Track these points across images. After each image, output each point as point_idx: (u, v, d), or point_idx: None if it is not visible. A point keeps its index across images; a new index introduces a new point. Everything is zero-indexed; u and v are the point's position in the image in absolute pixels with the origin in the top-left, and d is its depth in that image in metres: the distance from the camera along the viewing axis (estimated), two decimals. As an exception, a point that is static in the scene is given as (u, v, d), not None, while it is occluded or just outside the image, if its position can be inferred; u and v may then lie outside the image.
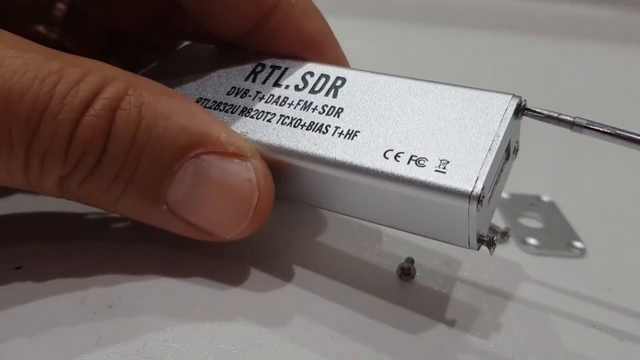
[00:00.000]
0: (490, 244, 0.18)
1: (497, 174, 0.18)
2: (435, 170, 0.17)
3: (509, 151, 0.18)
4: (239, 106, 0.20)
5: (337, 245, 0.23)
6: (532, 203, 0.27)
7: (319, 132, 0.19)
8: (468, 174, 0.16)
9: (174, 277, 0.20)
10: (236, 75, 0.21)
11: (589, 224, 0.26)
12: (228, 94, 0.21)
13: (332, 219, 0.25)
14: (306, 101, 0.20)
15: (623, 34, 0.63)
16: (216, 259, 0.21)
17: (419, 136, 0.18)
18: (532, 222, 0.26)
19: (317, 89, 0.20)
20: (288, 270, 0.21)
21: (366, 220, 0.19)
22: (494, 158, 0.17)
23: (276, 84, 0.21)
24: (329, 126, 0.19)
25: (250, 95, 0.20)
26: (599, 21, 0.67)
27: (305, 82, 0.20)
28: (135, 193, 0.18)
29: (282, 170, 0.19)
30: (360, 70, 0.20)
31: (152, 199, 0.18)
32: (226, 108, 0.20)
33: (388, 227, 0.19)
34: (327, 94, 0.20)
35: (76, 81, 0.16)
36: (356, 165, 0.18)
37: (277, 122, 0.19)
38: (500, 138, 0.17)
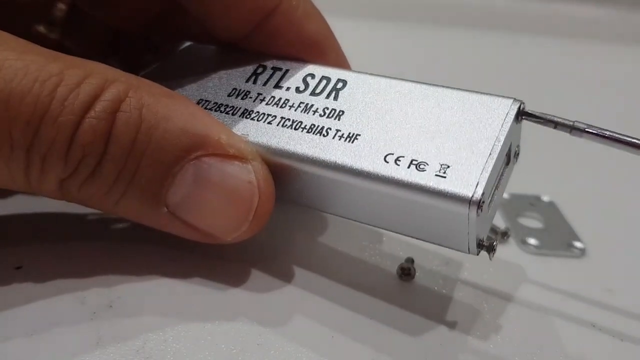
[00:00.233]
0: (490, 249, 0.18)
1: (498, 179, 0.18)
2: (436, 175, 0.17)
3: (509, 155, 0.18)
4: (240, 108, 0.20)
5: (337, 246, 0.23)
6: (532, 203, 0.27)
7: (320, 135, 0.19)
8: (468, 179, 0.16)
9: (174, 278, 0.20)
10: (237, 76, 0.21)
11: (589, 224, 0.26)
12: (229, 95, 0.21)
13: (332, 219, 0.25)
14: (307, 103, 0.20)
15: (623, 34, 0.63)
16: (216, 259, 0.21)
17: (419, 140, 0.18)
18: (532, 222, 0.26)
19: (317, 91, 0.20)
20: (288, 270, 0.21)
21: (366, 224, 0.19)
22: (494, 163, 0.17)
23: (277, 86, 0.21)
24: (330, 129, 0.19)
25: (251, 97, 0.20)
26: (599, 21, 0.67)
27: (306, 84, 0.20)
28: (136, 195, 0.18)
29: (283, 173, 0.19)
30: (361, 72, 0.20)
31: (152, 201, 0.18)
32: (227, 110, 0.20)
33: (388, 230, 0.19)
34: (327, 97, 0.20)
35: (77, 83, 0.16)
36: (356, 169, 0.18)
37: (277, 125, 0.19)
38: (501, 143, 0.17)
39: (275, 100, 0.20)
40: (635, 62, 0.56)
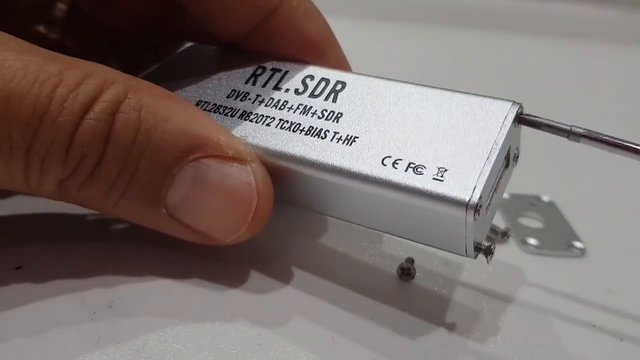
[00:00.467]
0: (488, 253, 0.18)
1: (496, 182, 0.18)
2: (433, 178, 0.17)
3: (508, 158, 0.18)
4: (239, 109, 0.20)
5: (337, 246, 0.23)
6: (532, 203, 0.27)
7: (318, 137, 0.19)
8: (466, 182, 0.16)
9: (174, 278, 0.20)
10: (236, 77, 0.21)
11: (589, 224, 0.26)
12: (228, 96, 0.21)
13: (332, 219, 0.25)
14: (305, 105, 0.20)
15: (623, 34, 0.63)
16: (217, 260, 0.21)
17: (417, 143, 0.18)
18: (532, 222, 0.26)
19: (316, 93, 0.20)
20: (288, 270, 0.21)
21: (363, 226, 0.19)
22: (492, 167, 0.17)
23: (276, 87, 0.21)
24: (328, 131, 0.19)
25: (250, 99, 0.20)
26: (598, 21, 0.67)
27: (305, 86, 0.20)
28: (134, 196, 0.18)
29: (280, 175, 0.19)
30: (360, 74, 0.20)
31: (151, 202, 0.18)
32: (226, 111, 0.20)
33: (385, 233, 0.19)
34: (326, 99, 0.20)
35: (76, 84, 0.16)
36: (354, 172, 0.18)
37: (276, 127, 0.19)
38: (499, 146, 0.17)
39: (274, 102, 0.20)
40: (635, 62, 0.55)
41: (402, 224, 0.18)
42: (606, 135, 0.17)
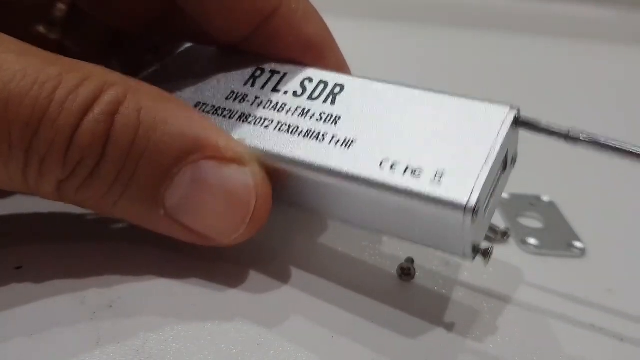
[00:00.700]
0: (485, 255, 0.18)
1: (494, 185, 0.18)
2: (431, 181, 0.17)
3: (506, 162, 0.18)
4: (237, 111, 0.20)
5: (336, 246, 0.23)
6: (532, 203, 0.28)
7: (316, 140, 0.19)
8: (463, 186, 0.16)
9: (174, 278, 0.20)
10: (235, 79, 0.22)
11: (589, 224, 0.26)
12: (227, 98, 0.21)
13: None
14: (304, 108, 0.20)
15: (623, 34, 0.63)
16: (217, 260, 0.21)
17: (415, 146, 0.18)
18: (532, 222, 0.26)
19: (315, 95, 0.20)
20: (288, 270, 0.21)
21: (361, 228, 0.19)
22: (490, 170, 0.17)
23: (275, 90, 0.21)
24: (326, 134, 0.19)
25: (248, 101, 0.21)
26: (598, 21, 0.67)
27: (304, 89, 0.20)
28: (133, 197, 0.18)
29: (279, 177, 0.19)
30: (358, 77, 0.20)
31: (149, 203, 0.18)
32: (224, 113, 0.20)
33: (384, 235, 0.19)
34: (325, 101, 0.20)
35: (75, 86, 0.16)
36: (351, 175, 0.18)
37: (274, 129, 0.19)
38: (497, 150, 0.17)
39: (273, 104, 0.20)
40: (635, 62, 0.56)
41: (399, 227, 0.18)
42: (603, 138, 0.17)
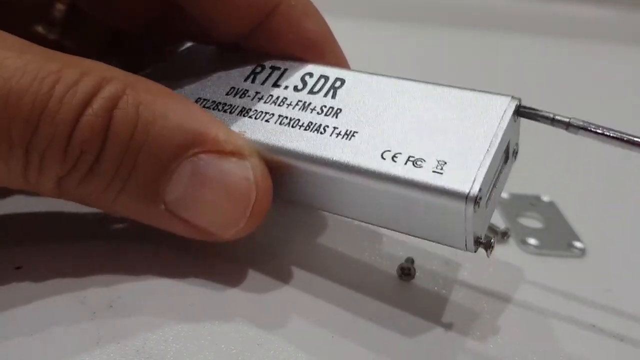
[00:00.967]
0: (488, 247, 0.18)
1: (496, 176, 0.18)
2: (433, 172, 0.17)
3: (507, 153, 0.18)
4: (238, 106, 0.20)
5: (336, 246, 0.23)
6: (532, 203, 0.28)
7: (317, 133, 0.19)
8: (465, 175, 0.16)
9: (174, 278, 0.20)
10: (235, 76, 0.21)
11: (589, 224, 0.26)
12: (227, 94, 0.21)
13: (332, 219, 0.25)
14: (305, 102, 0.20)
15: (623, 34, 0.63)
16: (217, 260, 0.21)
17: (416, 137, 0.18)
18: (532, 222, 0.26)
19: (315, 90, 0.20)
20: (288, 270, 0.21)
21: (363, 222, 0.19)
22: (492, 160, 0.17)
23: (275, 85, 0.21)
24: (327, 127, 0.19)
25: (249, 96, 0.20)
26: (598, 21, 0.67)
27: (305, 83, 0.20)
28: (133, 192, 0.18)
29: (280, 171, 0.19)
30: (359, 71, 0.20)
31: (149, 198, 0.18)
32: (225, 108, 0.20)
33: (385, 228, 0.19)
34: (325, 95, 0.20)
35: (74, 81, 0.16)
36: (353, 166, 0.18)
37: (275, 122, 0.19)
38: (499, 139, 0.17)
39: (273, 98, 0.20)
40: (635, 62, 0.56)
41: (401, 219, 0.18)
42: (604, 128, 0.17)
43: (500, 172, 0.18)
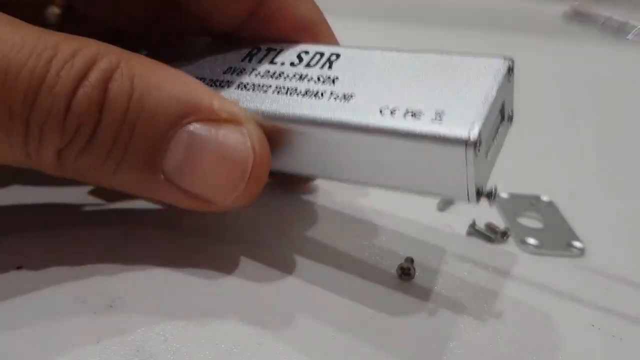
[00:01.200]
0: (490, 196, 0.18)
1: (494, 132, 0.18)
2: (431, 121, 0.17)
3: (503, 114, 0.18)
4: (235, 82, 0.21)
5: (336, 245, 0.23)
6: (531, 203, 0.28)
7: (315, 98, 0.19)
8: (464, 122, 0.16)
9: (175, 277, 0.20)
10: (232, 58, 0.22)
11: (589, 223, 0.26)
12: (224, 73, 0.21)
13: (332, 218, 0.25)
14: (301, 74, 0.20)
15: (622, 35, 0.63)
16: (217, 260, 0.21)
17: (414, 94, 0.18)
18: (531, 222, 0.26)
19: (312, 63, 0.20)
20: (288, 270, 0.21)
21: (364, 185, 0.19)
22: (489, 110, 0.17)
23: (272, 62, 0.21)
24: (324, 92, 0.19)
25: (246, 73, 0.21)
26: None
27: (301, 59, 0.21)
28: (132, 163, 0.18)
29: (279, 137, 0.19)
30: (354, 47, 0.21)
31: (148, 168, 0.18)
32: (222, 84, 0.21)
33: (387, 188, 0.19)
34: (322, 67, 0.20)
35: (71, 55, 0.17)
36: (352, 124, 0.18)
37: (272, 92, 0.20)
38: (494, 91, 0.17)
39: (270, 73, 0.20)
40: (634, 63, 0.56)
41: (402, 175, 0.18)
42: None
43: (498, 131, 0.18)
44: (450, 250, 0.23)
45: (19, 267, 0.19)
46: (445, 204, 0.27)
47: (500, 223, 0.25)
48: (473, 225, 0.25)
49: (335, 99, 0.18)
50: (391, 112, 0.17)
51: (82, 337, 0.17)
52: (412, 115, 0.17)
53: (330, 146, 0.19)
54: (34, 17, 0.24)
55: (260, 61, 0.21)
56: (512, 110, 0.19)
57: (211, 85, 0.21)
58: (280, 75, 0.20)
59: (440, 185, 0.18)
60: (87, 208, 0.24)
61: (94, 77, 0.17)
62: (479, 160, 0.16)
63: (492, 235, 0.24)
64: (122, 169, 0.18)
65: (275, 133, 0.19)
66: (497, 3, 0.69)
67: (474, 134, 0.16)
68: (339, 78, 0.19)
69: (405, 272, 0.21)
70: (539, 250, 0.24)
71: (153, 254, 0.21)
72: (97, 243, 0.21)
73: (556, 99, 0.44)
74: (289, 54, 0.21)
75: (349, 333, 0.18)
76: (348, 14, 0.51)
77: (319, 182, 0.28)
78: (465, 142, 0.16)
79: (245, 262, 0.21)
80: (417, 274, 0.21)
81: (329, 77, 0.19)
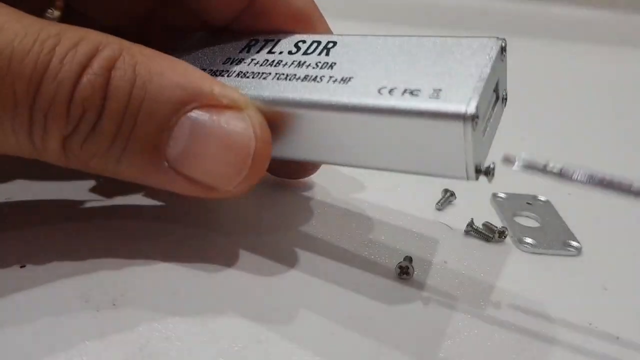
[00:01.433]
0: (488, 173, 0.18)
1: (490, 110, 0.18)
2: (429, 98, 0.17)
3: (497, 93, 0.19)
4: (235, 71, 0.21)
5: (336, 244, 0.23)
6: (529, 202, 0.28)
7: (314, 82, 0.19)
8: (461, 97, 0.17)
9: (177, 275, 0.20)
10: (231, 49, 0.22)
11: (585, 223, 0.26)
12: (224, 63, 0.22)
13: (332, 218, 0.25)
14: (300, 61, 0.20)
15: (621, 36, 0.63)
16: (219, 258, 0.21)
17: (411, 74, 0.18)
18: (529, 221, 0.27)
19: (310, 51, 0.21)
20: (288, 270, 0.21)
21: (364, 167, 0.20)
22: (485, 86, 0.17)
23: (270, 52, 0.21)
24: (323, 76, 0.19)
25: (245, 62, 0.21)
26: (597, 23, 0.67)
27: (298, 48, 0.21)
28: (136, 151, 0.18)
29: (280, 123, 0.19)
30: (351, 35, 0.21)
31: (152, 155, 0.18)
32: (222, 73, 0.21)
33: (387, 170, 0.19)
34: (319, 54, 0.20)
35: (74, 44, 0.17)
36: (351, 104, 0.18)
37: (272, 79, 0.20)
38: (489, 68, 0.17)
39: (269, 61, 0.21)
40: (634, 62, 0.56)
41: (401, 154, 0.18)
42: (597, 176, 0.18)
43: (493, 110, 0.19)
44: (448, 250, 0.23)
45: (23, 266, 0.20)
46: (444, 204, 0.27)
47: (497, 222, 0.26)
48: (471, 224, 0.25)
49: (334, 82, 0.19)
50: (389, 92, 0.18)
51: (85, 334, 0.17)
52: (410, 94, 0.17)
53: (331, 129, 0.19)
54: (35, 14, 0.24)
55: (258, 51, 0.22)
56: (505, 92, 0.19)
57: (211, 75, 0.21)
58: (279, 63, 0.21)
59: (440, 163, 0.18)
60: (89, 204, 0.24)
61: (97, 65, 0.17)
62: (477, 136, 0.17)
63: (489, 234, 0.25)
64: (126, 156, 0.18)
65: (276, 119, 0.19)
66: (494, 4, 0.69)
67: (471, 109, 0.16)
68: (337, 63, 0.20)
69: (404, 270, 0.21)
70: (536, 249, 0.24)
71: (155, 250, 0.21)
72: (100, 240, 0.22)
73: (556, 98, 0.44)
74: (287, 44, 0.21)
75: (348, 330, 0.19)
76: (348, 16, 0.51)
77: (319, 180, 0.28)
78: (463, 117, 0.16)
79: (246, 259, 0.21)
80: (415, 272, 0.21)
81: (326, 63, 0.20)
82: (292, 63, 0.20)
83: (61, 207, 0.23)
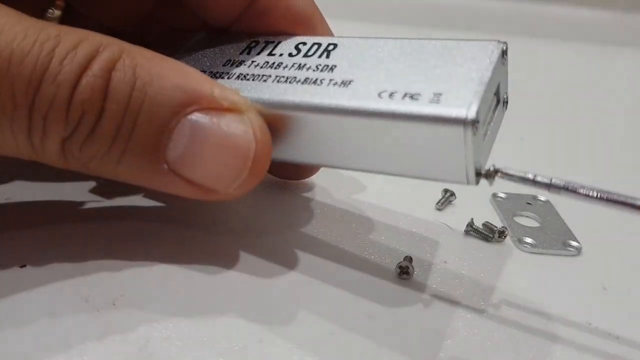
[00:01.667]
0: (489, 176, 0.18)
1: (490, 114, 0.18)
2: (429, 102, 0.17)
3: (498, 97, 0.19)
4: (235, 73, 0.21)
5: (336, 244, 0.23)
6: (528, 202, 0.28)
7: (314, 85, 0.19)
8: (462, 102, 0.17)
9: (177, 275, 0.20)
10: (231, 51, 0.22)
11: (585, 223, 0.26)
12: (224, 65, 0.22)
13: (332, 217, 0.25)
14: (300, 63, 0.20)
15: (620, 36, 0.63)
16: (219, 259, 0.21)
17: (411, 78, 0.18)
18: (528, 221, 0.27)
19: (310, 53, 0.21)
20: (288, 269, 0.21)
21: (364, 171, 0.20)
22: (485, 89, 0.17)
23: (270, 54, 0.21)
24: (324, 79, 0.19)
25: (245, 64, 0.21)
26: (598, 23, 0.67)
27: (299, 50, 0.21)
28: (136, 153, 0.18)
29: (280, 126, 0.19)
30: (351, 37, 0.21)
31: (151, 158, 0.18)
32: (222, 75, 0.21)
33: (387, 174, 0.19)
34: (320, 56, 0.20)
35: (74, 45, 0.17)
36: (351, 108, 0.18)
37: (272, 82, 0.20)
38: (490, 72, 0.17)
39: (269, 64, 0.21)
40: (634, 62, 0.56)
41: (401, 158, 0.18)
42: (588, 187, 0.18)
43: (494, 113, 0.19)
44: (448, 249, 0.23)
45: (23, 266, 0.20)
46: (444, 204, 0.27)
47: (497, 222, 0.26)
48: (471, 224, 0.25)
49: (334, 85, 0.19)
50: (390, 95, 0.18)
51: (85, 335, 0.17)
52: (410, 98, 0.17)
53: (331, 132, 0.19)
54: (34, 15, 0.24)
55: (259, 53, 0.22)
56: (507, 95, 0.19)
57: (211, 77, 0.21)
58: (279, 65, 0.21)
59: (440, 168, 0.18)
60: (89, 205, 0.24)
61: (97, 66, 0.17)
62: (477, 140, 0.17)
63: (489, 234, 0.25)
64: (126, 159, 0.18)
65: (276, 121, 0.19)
66: (494, 4, 0.69)
67: (471, 113, 0.16)
68: (337, 66, 0.20)
69: (404, 270, 0.21)
70: (536, 249, 0.24)
71: (155, 251, 0.21)
72: (100, 240, 0.22)
73: (556, 98, 0.44)
74: (287, 46, 0.21)
75: (348, 330, 0.19)
76: (348, 17, 0.51)
77: (319, 181, 0.28)
78: (463, 121, 0.16)
79: (247, 260, 0.21)
80: (415, 272, 0.21)
81: (327, 66, 0.20)
82: (293, 65, 0.20)
83: (61, 207, 0.23)
